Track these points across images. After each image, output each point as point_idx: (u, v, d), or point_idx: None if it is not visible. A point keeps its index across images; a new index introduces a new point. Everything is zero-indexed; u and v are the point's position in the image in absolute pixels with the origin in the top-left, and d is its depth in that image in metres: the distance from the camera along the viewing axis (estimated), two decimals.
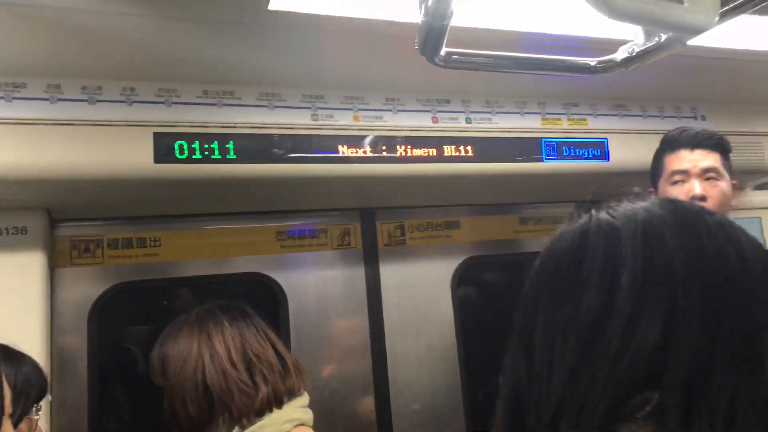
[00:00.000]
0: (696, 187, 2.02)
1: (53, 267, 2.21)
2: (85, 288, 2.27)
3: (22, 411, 1.49)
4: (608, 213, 0.81)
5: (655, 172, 2.19)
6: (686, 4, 1.00)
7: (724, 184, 2.08)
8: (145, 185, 1.95)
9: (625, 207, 0.81)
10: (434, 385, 2.64)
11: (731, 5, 1.30)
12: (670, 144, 2.14)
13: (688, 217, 0.78)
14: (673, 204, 0.81)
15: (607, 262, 0.74)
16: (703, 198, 2.00)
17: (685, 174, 2.06)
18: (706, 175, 2.05)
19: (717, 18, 1.03)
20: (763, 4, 1.24)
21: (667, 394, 0.64)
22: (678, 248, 0.73)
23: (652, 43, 1.35)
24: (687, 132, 2.11)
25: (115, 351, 2.44)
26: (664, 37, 1.33)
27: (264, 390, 1.65)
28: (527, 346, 0.78)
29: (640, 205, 0.81)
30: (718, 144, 2.12)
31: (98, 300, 2.28)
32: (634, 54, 1.41)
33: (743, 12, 1.29)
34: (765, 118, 2.73)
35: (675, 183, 2.08)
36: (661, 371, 0.65)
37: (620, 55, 1.45)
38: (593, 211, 0.83)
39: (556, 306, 0.76)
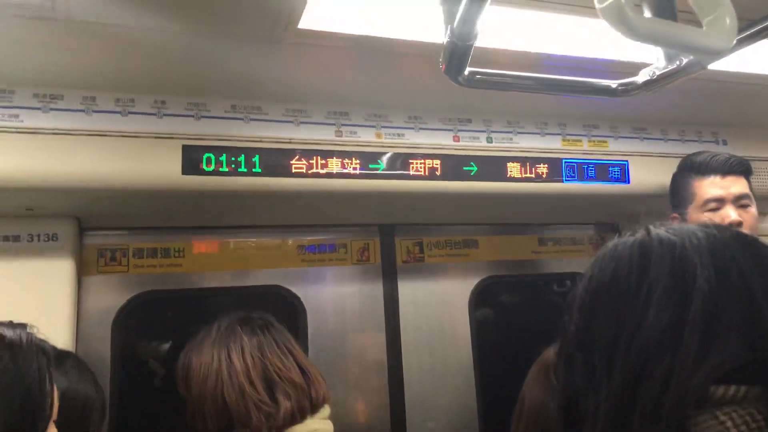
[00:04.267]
0: (732, 213, 2.01)
1: (81, 274, 2.26)
2: (110, 296, 2.32)
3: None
4: (667, 231, 0.86)
5: (683, 196, 2.16)
6: (705, 28, 1.03)
7: (754, 209, 2.08)
8: (172, 196, 2.00)
9: (678, 227, 0.87)
10: (450, 404, 2.65)
11: (748, 32, 1.33)
12: (699, 169, 2.11)
13: (741, 237, 0.85)
14: (717, 227, 0.86)
15: (675, 276, 0.79)
16: (739, 224, 1.99)
17: (720, 201, 2.05)
18: (740, 202, 2.05)
19: (734, 42, 1.06)
20: None
21: None
22: (747, 263, 0.79)
23: (673, 67, 1.38)
24: (717, 158, 2.10)
25: (138, 359, 2.47)
26: (684, 60, 1.36)
27: (286, 405, 1.65)
28: (585, 354, 0.81)
29: (691, 227, 0.86)
30: (747, 169, 2.12)
31: (122, 308, 2.32)
32: (654, 77, 1.44)
33: (760, 39, 1.32)
34: None
35: (709, 210, 2.07)
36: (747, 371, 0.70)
37: (641, 77, 1.47)
38: (651, 227, 0.88)
39: (619, 317, 0.80)
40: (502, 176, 2.29)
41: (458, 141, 2.28)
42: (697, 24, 1.05)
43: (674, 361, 0.71)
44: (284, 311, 2.51)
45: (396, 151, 2.17)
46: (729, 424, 0.67)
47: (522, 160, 2.31)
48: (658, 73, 1.43)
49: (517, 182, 2.30)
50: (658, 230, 0.86)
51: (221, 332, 1.76)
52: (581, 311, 0.85)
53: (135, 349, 2.45)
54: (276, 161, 2.02)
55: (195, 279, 2.45)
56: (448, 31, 1.22)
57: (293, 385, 1.69)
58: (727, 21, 1.03)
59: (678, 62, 1.35)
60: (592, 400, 0.77)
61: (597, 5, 0.98)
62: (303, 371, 1.74)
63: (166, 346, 2.48)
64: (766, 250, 0.84)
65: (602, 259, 0.88)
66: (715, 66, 1.93)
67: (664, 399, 0.70)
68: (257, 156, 1.99)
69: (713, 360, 0.71)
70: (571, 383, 0.82)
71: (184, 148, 1.94)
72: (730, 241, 0.83)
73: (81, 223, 2.25)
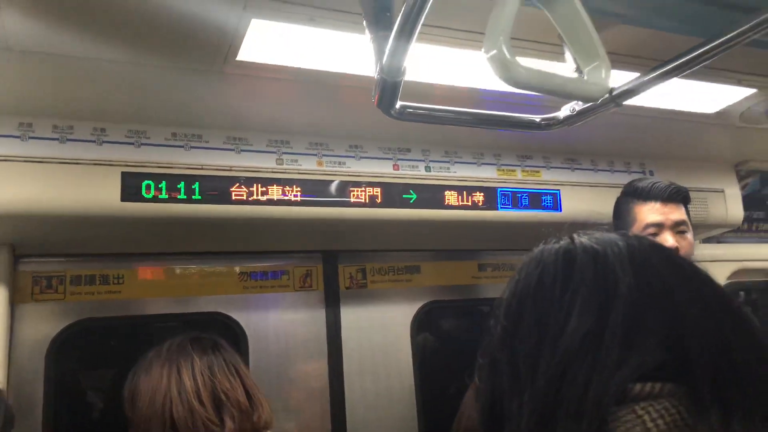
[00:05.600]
0: (669, 239, 2.10)
1: (14, 302, 2.22)
2: (46, 324, 2.27)
3: None
4: (590, 239, 0.89)
5: (625, 220, 2.22)
6: (585, 77, 1.13)
7: (691, 236, 2.17)
8: (111, 223, 1.99)
9: (600, 236, 0.90)
10: (392, 428, 2.67)
11: (659, 72, 1.44)
12: (641, 195, 2.19)
13: (659, 246, 0.90)
14: (636, 237, 0.91)
15: (597, 283, 0.83)
16: (677, 250, 2.08)
17: (659, 227, 2.14)
18: (678, 228, 2.14)
19: (608, 90, 1.16)
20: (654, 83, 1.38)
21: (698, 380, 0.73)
22: (665, 270, 0.84)
23: (590, 104, 1.48)
24: (658, 185, 2.18)
25: (73, 388, 2.42)
26: (600, 99, 1.45)
27: (230, 427, 1.65)
28: (510, 356, 0.84)
29: (612, 236, 0.90)
30: (686, 197, 2.21)
31: (57, 337, 2.28)
32: (574, 112, 1.53)
33: (669, 78, 1.43)
34: (706, 175, 2.90)
35: (648, 234, 2.15)
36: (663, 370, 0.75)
37: (563, 113, 1.57)
38: (574, 235, 0.91)
39: (542, 320, 0.83)
40: (440, 204, 2.36)
41: (398, 169, 2.34)
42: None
43: (595, 364, 0.75)
44: (225, 338, 2.49)
45: (337, 179, 2.22)
46: (646, 417, 0.72)
47: (459, 189, 2.40)
48: (577, 109, 1.53)
49: (454, 210, 2.38)
50: (582, 239, 0.90)
51: (172, 351, 1.75)
52: (507, 315, 0.88)
53: (70, 378, 2.40)
54: (216, 188, 2.04)
55: (135, 306, 2.42)
56: (378, 67, 1.28)
57: (239, 408, 1.69)
58: (603, 72, 1.13)
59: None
60: (516, 401, 0.80)
61: (484, 54, 1.06)
62: (248, 394, 1.75)
63: (103, 373, 2.43)
64: (682, 259, 0.90)
65: (528, 265, 0.91)
66: (640, 102, 2.07)
67: (586, 399, 0.73)
68: (197, 183, 2.01)
69: (633, 361, 0.75)
70: (496, 385, 0.85)
71: (124, 175, 1.94)
72: (649, 250, 0.88)
73: (15, 250, 2.21)
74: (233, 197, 2.06)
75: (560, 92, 1.13)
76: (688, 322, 0.78)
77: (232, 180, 2.07)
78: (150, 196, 1.95)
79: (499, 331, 0.88)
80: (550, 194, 2.53)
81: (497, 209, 2.43)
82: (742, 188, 3.07)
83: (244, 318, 2.54)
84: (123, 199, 1.93)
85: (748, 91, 2.14)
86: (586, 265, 0.85)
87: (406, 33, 1.13)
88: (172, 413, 1.63)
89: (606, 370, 0.75)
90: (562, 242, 0.91)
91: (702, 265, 0.90)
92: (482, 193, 2.42)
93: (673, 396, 0.73)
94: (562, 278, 0.85)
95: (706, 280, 0.87)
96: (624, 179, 2.53)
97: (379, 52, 1.27)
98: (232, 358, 1.80)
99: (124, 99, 1.90)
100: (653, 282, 0.82)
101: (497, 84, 1.98)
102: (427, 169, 2.39)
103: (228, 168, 2.07)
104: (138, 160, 1.98)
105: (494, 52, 1.03)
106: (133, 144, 1.99)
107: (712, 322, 0.79)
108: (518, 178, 2.51)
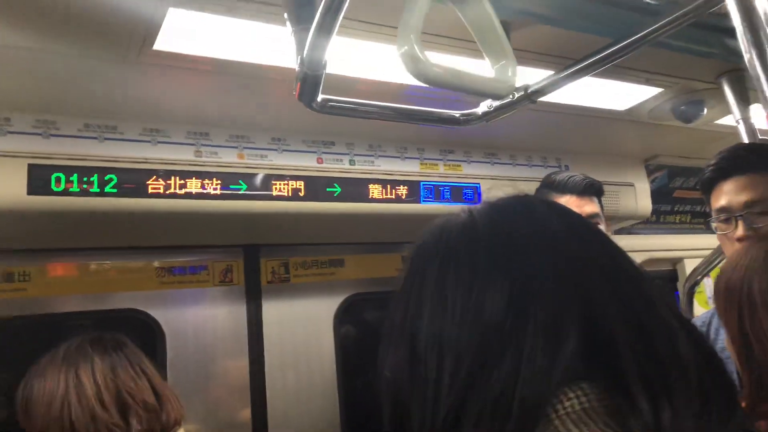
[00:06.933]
0: None
1: None
2: None
3: None
4: (490, 206, 0.85)
5: None
6: (494, 75, 1.17)
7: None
8: (16, 217, 1.89)
9: (503, 200, 0.86)
10: (313, 421, 2.67)
11: (571, 70, 1.49)
12: (557, 188, 2.27)
13: (564, 210, 0.87)
14: (544, 201, 0.88)
15: (505, 262, 0.75)
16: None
17: None
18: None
19: (514, 88, 1.21)
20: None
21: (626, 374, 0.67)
22: (574, 248, 0.78)
23: (507, 100, 1.52)
24: (574, 178, 2.26)
25: None
26: (516, 95, 1.50)
27: (137, 428, 1.59)
28: (412, 342, 0.76)
29: (515, 198, 0.87)
30: (599, 191, 2.31)
31: None
32: (492, 109, 1.58)
33: (580, 77, 1.49)
34: (618, 169, 3.04)
35: None
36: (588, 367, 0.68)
37: (481, 109, 1.61)
38: (471, 207, 0.86)
39: (447, 302, 0.75)
40: (365, 197, 2.37)
41: (322, 163, 2.34)
42: None
43: (519, 358, 0.68)
44: (142, 335, 2.43)
45: (258, 172, 2.19)
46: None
47: (383, 182, 2.41)
48: (494, 105, 1.57)
49: (378, 203, 2.39)
50: (479, 207, 0.84)
51: (70, 353, 1.66)
52: (408, 296, 0.80)
53: None
54: (132, 181, 1.97)
55: (42, 304, 2.31)
56: (299, 60, 1.27)
57: (145, 408, 1.64)
58: (509, 70, 1.17)
59: (511, 97, 1.49)
60: (419, 396, 0.73)
61: (397, 51, 1.07)
62: (156, 393, 1.69)
63: (7, 379, 2.31)
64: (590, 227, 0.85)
65: (430, 241, 0.84)
66: (555, 99, 2.14)
67: (512, 400, 0.66)
68: (111, 176, 1.94)
69: (561, 356, 0.68)
70: (396, 374, 0.77)
71: (31, 167, 1.85)
72: (554, 214, 0.83)
73: None
74: (150, 190, 1.99)
75: (470, 89, 1.16)
76: (606, 311, 0.72)
77: (149, 173, 2.00)
78: (60, 189, 1.86)
79: (398, 315, 0.80)
80: (471, 188, 2.59)
81: (420, 202, 2.47)
82: (651, 182, 3.25)
83: (161, 315, 2.47)
84: (30, 193, 1.84)
85: (655, 90, 2.26)
86: (490, 238, 0.78)
87: (326, 26, 1.13)
88: (72, 420, 1.55)
89: (535, 373, 0.67)
90: (453, 217, 0.85)
91: None
92: (406, 187, 2.45)
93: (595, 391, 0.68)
94: (467, 253, 0.77)
95: (618, 250, 0.82)
96: (541, 173, 2.62)
97: (300, 45, 1.26)
98: (136, 357, 1.73)
99: (31, 88, 1.80)
100: (565, 266, 0.75)
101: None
102: (351, 162, 2.39)
103: (144, 160, 2.01)
104: (47, 151, 1.88)
105: (405, 48, 1.05)
106: (41, 135, 1.89)
107: (628, 307, 0.73)
108: (440, 172, 2.56)
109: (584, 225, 0.86)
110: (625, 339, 0.70)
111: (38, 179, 1.85)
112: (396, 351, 0.78)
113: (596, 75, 1.62)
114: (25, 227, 2.04)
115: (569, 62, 1.59)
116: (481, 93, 1.22)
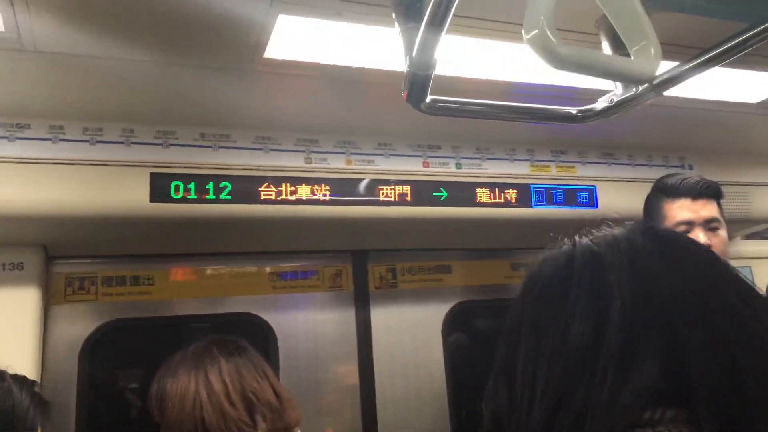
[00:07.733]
0: (701, 237, 2.02)
1: (48, 303, 2.23)
2: (78, 325, 2.29)
3: None
4: (591, 240, 0.82)
5: (654, 218, 2.16)
6: (633, 57, 1.06)
7: (724, 233, 2.09)
8: (140, 224, 1.99)
9: (606, 234, 0.82)
10: (423, 428, 2.63)
11: (702, 59, 1.37)
12: (670, 191, 2.11)
13: (672, 245, 0.81)
14: (654, 232, 0.83)
15: (593, 292, 0.75)
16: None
17: (690, 224, 2.06)
18: (710, 225, 2.06)
19: (658, 69, 1.09)
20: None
21: (699, 408, 0.67)
22: (667, 278, 0.75)
23: (630, 93, 1.41)
24: (688, 180, 2.10)
25: (106, 388, 2.43)
26: (640, 88, 1.39)
27: (263, 427, 1.65)
28: (510, 374, 0.78)
29: (621, 232, 0.82)
30: (718, 193, 2.13)
31: (90, 337, 2.29)
32: (612, 104, 1.47)
33: (713, 65, 1.36)
34: (749, 168, 2.80)
35: None
36: (670, 394, 0.68)
37: (600, 104, 1.51)
38: (576, 238, 0.84)
39: (540, 334, 0.77)
40: (472, 201, 2.31)
41: (428, 167, 2.30)
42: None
43: (589, 393, 0.70)
44: (255, 338, 2.49)
45: (366, 178, 2.19)
46: None
47: (491, 186, 2.34)
48: (615, 99, 1.46)
49: (486, 207, 2.32)
50: (582, 241, 0.82)
51: (197, 354, 1.74)
52: (510, 333, 0.82)
53: (103, 378, 2.41)
54: (245, 188, 2.02)
55: (164, 307, 2.43)
56: (408, 61, 1.24)
57: (270, 407, 1.69)
58: (652, 51, 1.06)
59: (634, 89, 1.38)
60: (514, 426, 0.75)
61: (524, 35, 1.00)
62: (277, 394, 1.74)
63: (135, 374, 2.44)
64: (694, 259, 0.80)
65: (530, 278, 0.85)
66: (679, 93, 2.00)
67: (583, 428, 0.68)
68: (226, 183, 2.00)
69: (629, 390, 0.68)
70: (497, 405, 0.80)
71: (152, 175, 1.94)
72: (657, 249, 0.79)
73: (48, 252, 2.23)
74: (262, 197, 2.04)
75: (606, 73, 1.07)
76: (690, 342, 0.71)
77: (261, 180, 2.05)
78: (179, 196, 1.95)
79: (501, 351, 0.82)
80: (586, 190, 2.46)
81: (531, 206, 2.37)
82: None
83: (273, 318, 2.53)
84: (152, 200, 1.93)
85: None
86: (582, 274, 0.78)
87: (436, 24, 1.09)
88: (203, 417, 1.62)
89: (601, 401, 0.69)
90: (564, 247, 0.83)
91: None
92: (515, 190, 2.37)
93: (675, 422, 0.67)
94: (559, 293, 0.78)
95: (731, 278, 0.78)
96: (662, 174, 2.44)
97: (409, 45, 1.23)
98: (257, 360, 1.79)
99: (152, 100, 1.90)
100: (652, 293, 0.74)
101: (530, 76, 1.95)
102: (458, 166, 2.34)
103: (256, 168, 2.06)
104: (166, 160, 1.98)
105: (535, 32, 0.98)
106: (161, 145, 1.99)
107: (719, 340, 0.71)
108: (552, 174, 2.45)
109: (682, 248, 0.83)
110: (704, 372, 0.69)
111: (159, 187, 1.94)
112: (496, 382, 0.82)
113: (728, 64, 1.47)
114: (147, 233, 2.15)
115: (695, 52, 1.46)
116: (618, 77, 1.12)
